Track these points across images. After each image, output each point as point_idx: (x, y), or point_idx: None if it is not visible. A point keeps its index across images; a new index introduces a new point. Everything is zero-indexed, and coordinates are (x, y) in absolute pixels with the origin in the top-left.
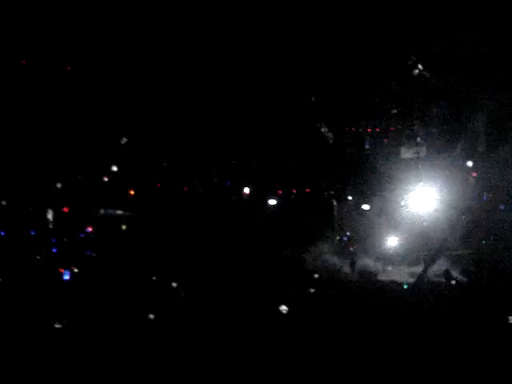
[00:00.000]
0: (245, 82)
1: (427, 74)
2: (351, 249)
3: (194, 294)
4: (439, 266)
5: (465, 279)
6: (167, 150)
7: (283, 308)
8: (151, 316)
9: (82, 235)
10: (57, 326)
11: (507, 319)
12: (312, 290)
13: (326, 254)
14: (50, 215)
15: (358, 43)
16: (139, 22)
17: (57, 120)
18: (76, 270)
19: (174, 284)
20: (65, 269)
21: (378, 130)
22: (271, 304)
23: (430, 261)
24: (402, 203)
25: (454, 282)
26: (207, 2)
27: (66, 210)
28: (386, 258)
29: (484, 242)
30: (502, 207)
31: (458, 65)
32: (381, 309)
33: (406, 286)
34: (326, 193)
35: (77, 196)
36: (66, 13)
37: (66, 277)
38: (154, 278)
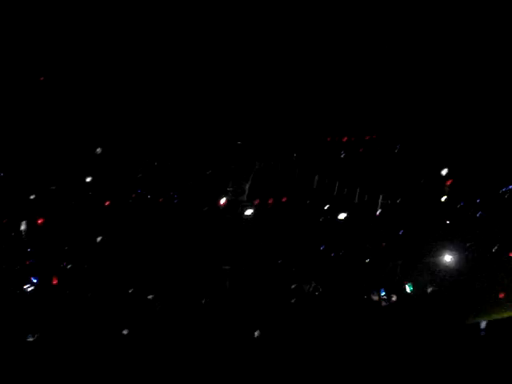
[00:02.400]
0: (221, 91)
1: None
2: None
3: (169, 307)
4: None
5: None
6: (142, 160)
7: (256, 333)
8: (125, 331)
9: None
10: (29, 339)
11: (478, 324)
12: (292, 301)
13: (304, 263)
14: (23, 227)
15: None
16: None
17: (30, 130)
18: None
19: (150, 296)
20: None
21: (353, 138)
22: (249, 314)
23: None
24: (378, 212)
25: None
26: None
27: (40, 221)
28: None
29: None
30: (478, 214)
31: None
32: (362, 319)
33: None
34: (302, 202)
35: (51, 207)
36: (40, 21)
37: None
38: (130, 291)
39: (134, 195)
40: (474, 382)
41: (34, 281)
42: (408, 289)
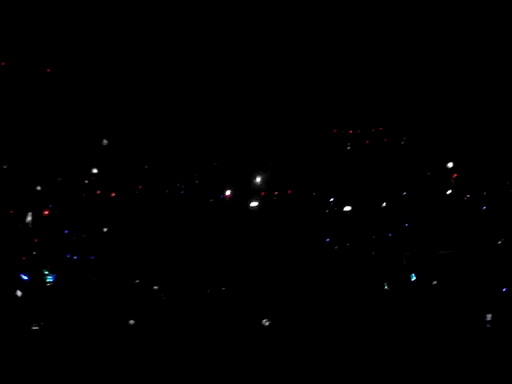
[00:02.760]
0: (224, 84)
1: None
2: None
3: (175, 298)
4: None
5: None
6: (148, 151)
7: (265, 321)
8: (131, 321)
9: (63, 238)
10: (34, 327)
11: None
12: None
13: (309, 257)
14: (29, 218)
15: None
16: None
17: (35, 121)
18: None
19: (156, 287)
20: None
21: (359, 131)
22: (256, 309)
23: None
24: (383, 204)
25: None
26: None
27: (46, 213)
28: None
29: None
30: (484, 207)
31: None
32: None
33: (386, 287)
34: (308, 194)
35: (57, 199)
36: (44, 13)
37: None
38: (137, 281)
39: (140, 186)
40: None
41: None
42: (412, 278)
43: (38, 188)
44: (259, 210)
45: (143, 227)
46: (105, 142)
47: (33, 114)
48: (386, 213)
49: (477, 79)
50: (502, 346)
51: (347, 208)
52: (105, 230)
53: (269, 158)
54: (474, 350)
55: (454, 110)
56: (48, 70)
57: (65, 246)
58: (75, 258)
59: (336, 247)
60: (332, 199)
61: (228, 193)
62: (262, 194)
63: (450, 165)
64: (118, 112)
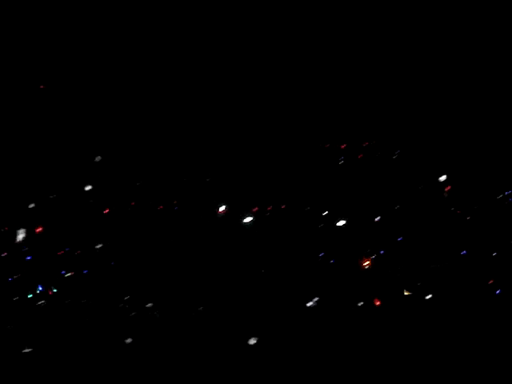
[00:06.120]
0: (216, 102)
1: None
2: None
3: (169, 315)
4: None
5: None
6: (141, 168)
7: (252, 341)
8: (129, 340)
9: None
10: (26, 350)
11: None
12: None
13: (303, 272)
14: (22, 236)
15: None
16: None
17: (28, 137)
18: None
19: (149, 304)
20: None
21: (351, 145)
22: (248, 324)
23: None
24: (377, 218)
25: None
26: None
27: (39, 230)
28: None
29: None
30: (478, 220)
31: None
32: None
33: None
34: (301, 209)
35: (50, 216)
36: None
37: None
38: (128, 297)
39: (132, 203)
40: None
41: (40, 288)
42: (406, 292)
43: (31, 206)
44: (253, 226)
45: (137, 244)
46: (98, 158)
47: (25, 130)
48: (380, 227)
49: (469, 94)
50: (498, 361)
51: (341, 222)
52: (98, 246)
53: (262, 173)
54: (469, 363)
55: (448, 122)
56: (42, 87)
57: (57, 263)
58: (68, 275)
59: (331, 261)
60: (325, 213)
61: (222, 209)
62: (255, 209)
63: (443, 178)
64: (110, 128)
